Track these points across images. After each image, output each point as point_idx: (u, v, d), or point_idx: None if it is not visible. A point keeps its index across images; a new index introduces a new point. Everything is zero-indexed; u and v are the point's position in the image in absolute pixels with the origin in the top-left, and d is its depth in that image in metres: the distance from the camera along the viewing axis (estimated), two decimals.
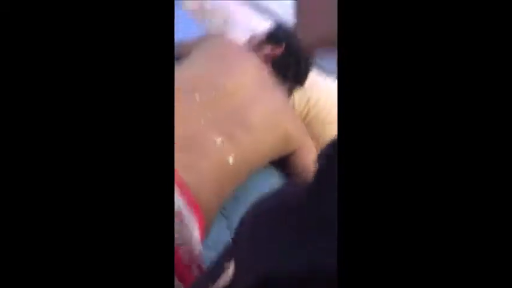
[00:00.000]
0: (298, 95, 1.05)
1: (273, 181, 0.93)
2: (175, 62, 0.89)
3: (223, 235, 0.81)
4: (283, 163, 0.94)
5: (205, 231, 0.74)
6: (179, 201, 0.66)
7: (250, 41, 1.06)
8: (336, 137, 0.39)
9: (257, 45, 1.01)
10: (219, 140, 0.76)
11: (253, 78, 0.89)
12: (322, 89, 1.08)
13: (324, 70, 1.16)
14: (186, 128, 0.73)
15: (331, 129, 1.01)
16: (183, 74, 0.87)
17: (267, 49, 0.99)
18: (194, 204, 0.68)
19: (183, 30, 1.43)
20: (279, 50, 0.99)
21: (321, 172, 0.42)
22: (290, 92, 1.02)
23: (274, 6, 1.68)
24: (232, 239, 0.47)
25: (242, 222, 0.47)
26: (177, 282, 0.61)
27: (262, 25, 1.31)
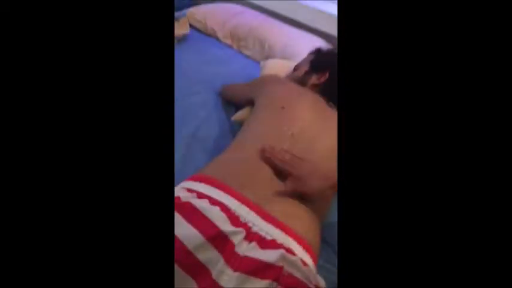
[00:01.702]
0: None
1: None
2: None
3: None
4: None
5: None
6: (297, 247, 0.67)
7: (295, 72, 1.11)
8: None
9: (303, 75, 1.07)
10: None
11: (314, 117, 0.91)
12: None
13: None
14: None
15: None
16: (251, 127, 0.90)
17: (313, 79, 1.05)
18: (307, 247, 0.70)
19: (228, 61, 1.48)
20: (324, 77, 1.04)
21: None
22: None
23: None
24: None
25: None
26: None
27: (299, 47, 1.38)
